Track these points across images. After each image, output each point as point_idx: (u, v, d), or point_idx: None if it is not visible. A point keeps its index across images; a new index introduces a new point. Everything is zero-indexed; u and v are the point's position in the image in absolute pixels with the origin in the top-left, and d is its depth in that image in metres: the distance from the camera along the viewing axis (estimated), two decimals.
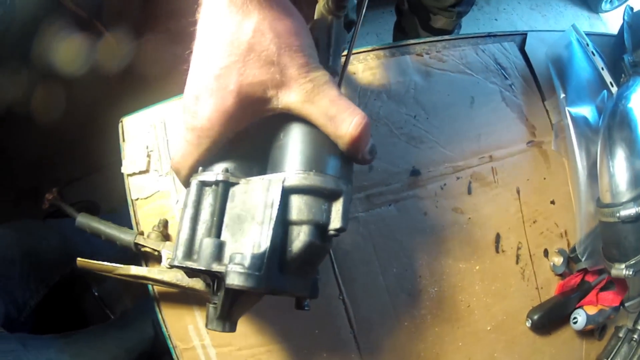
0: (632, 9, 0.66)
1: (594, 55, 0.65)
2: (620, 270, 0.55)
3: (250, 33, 0.30)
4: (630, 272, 0.54)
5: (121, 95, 0.70)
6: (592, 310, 0.63)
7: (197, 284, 0.50)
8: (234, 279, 0.30)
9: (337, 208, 0.34)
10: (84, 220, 0.56)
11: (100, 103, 0.78)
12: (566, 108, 0.62)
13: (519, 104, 0.65)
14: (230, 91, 0.31)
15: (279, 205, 0.32)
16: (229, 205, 0.35)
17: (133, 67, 0.77)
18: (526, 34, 0.66)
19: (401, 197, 0.59)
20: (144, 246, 0.54)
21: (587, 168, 0.63)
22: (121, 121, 0.58)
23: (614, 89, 0.64)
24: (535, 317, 0.63)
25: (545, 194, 0.65)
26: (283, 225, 0.33)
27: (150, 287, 0.57)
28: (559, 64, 0.64)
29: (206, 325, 0.38)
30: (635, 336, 0.65)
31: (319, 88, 0.32)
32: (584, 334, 0.69)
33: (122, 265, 0.51)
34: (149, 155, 0.57)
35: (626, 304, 0.59)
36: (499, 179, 0.63)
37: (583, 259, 0.64)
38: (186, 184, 0.39)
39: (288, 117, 0.34)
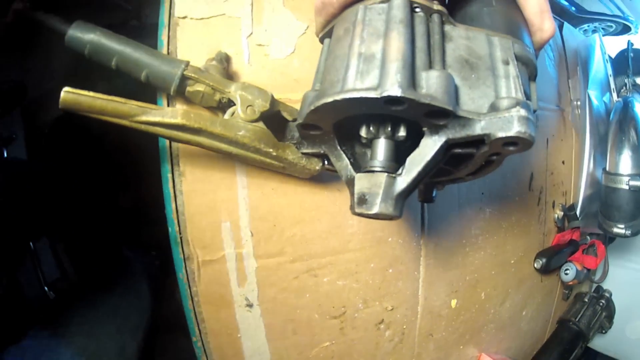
0: (632, 44, 0.85)
1: (607, 62, 0.81)
2: (621, 229, 0.65)
3: None
4: (629, 232, 0.65)
5: None
6: (578, 266, 0.72)
7: (288, 152, 0.38)
8: (523, 126, 0.26)
9: (534, 90, 0.34)
10: (82, 33, 0.36)
11: None
12: (587, 90, 0.74)
13: (555, 72, 0.74)
14: None
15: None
16: (448, 45, 0.31)
17: None
18: (564, 22, 0.78)
19: None
20: (198, 81, 0.38)
21: (593, 145, 0.74)
22: None
23: (614, 95, 0.80)
24: (544, 260, 0.68)
25: (560, 154, 0.74)
26: None
27: (166, 158, 0.41)
28: (583, 57, 0.77)
29: (369, 208, 0.27)
30: (603, 301, 0.76)
31: None
32: (558, 290, 0.77)
33: (154, 107, 0.34)
34: None
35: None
36: (538, 126, 0.69)
37: (580, 218, 0.73)
38: (342, 6, 0.32)
39: None
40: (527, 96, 0.30)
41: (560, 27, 0.79)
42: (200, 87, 0.38)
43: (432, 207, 0.53)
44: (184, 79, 0.38)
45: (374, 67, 0.26)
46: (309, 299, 0.48)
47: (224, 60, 0.41)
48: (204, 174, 0.42)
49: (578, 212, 0.73)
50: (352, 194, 0.29)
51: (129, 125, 0.34)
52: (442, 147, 0.28)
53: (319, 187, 0.46)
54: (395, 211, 0.28)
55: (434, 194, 0.41)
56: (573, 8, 1.11)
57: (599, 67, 0.79)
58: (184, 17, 0.42)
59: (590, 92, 0.75)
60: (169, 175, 0.42)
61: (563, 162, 0.74)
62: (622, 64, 0.85)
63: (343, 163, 0.33)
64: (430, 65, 0.28)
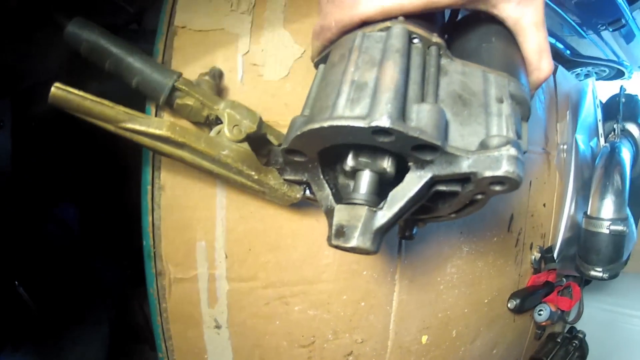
0: (624, 89, 0.88)
1: (597, 107, 0.83)
2: (599, 272, 0.67)
3: None
4: (607, 275, 0.66)
5: None
6: (552, 307, 0.73)
7: (270, 177, 0.38)
8: (511, 166, 0.25)
9: (525, 130, 0.34)
10: (80, 30, 0.36)
11: None
12: (575, 135, 0.76)
13: (544, 115, 0.76)
14: None
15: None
16: (442, 79, 0.31)
17: None
18: (558, 66, 0.80)
19: None
20: (188, 95, 0.38)
21: (576, 189, 0.75)
22: None
23: (602, 140, 0.82)
24: (518, 300, 0.68)
25: (542, 196, 0.75)
26: None
27: (148, 169, 0.41)
28: (574, 101, 0.79)
29: (345, 241, 0.27)
30: (576, 342, 0.77)
31: (544, 22, 0.34)
32: (530, 330, 0.78)
33: (141, 115, 0.34)
34: None
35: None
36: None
37: (557, 261, 0.74)
38: (347, 27, 0.31)
39: (495, 23, 0.34)
40: (519, 136, 0.30)
41: (554, 71, 0.81)
42: (189, 101, 0.38)
43: (410, 244, 0.54)
44: (174, 90, 0.38)
45: (366, 96, 0.26)
46: (278, 326, 0.48)
47: (217, 77, 0.41)
48: (184, 190, 0.42)
49: (555, 255, 0.74)
50: (330, 225, 0.29)
51: (114, 130, 0.34)
52: (426, 183, 0.27)
53: (297, 215, 0.46)
54: (372, 246, 0.27)
55: (414, 232, 0.40)
56: (568, 51, 1.14)
57: (589, 112, 0.81)
58: (183, 27, 0.42)
59: (577, 136, 0.77)
60: (149, 187, 0.42)
61: (544, 205, 0.76)
62: (613, 108, 0.87)
63: (324, 193, 0.33)
64: (422, 98, 0.28)
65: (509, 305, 0.69)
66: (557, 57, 1.11)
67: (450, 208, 0.32)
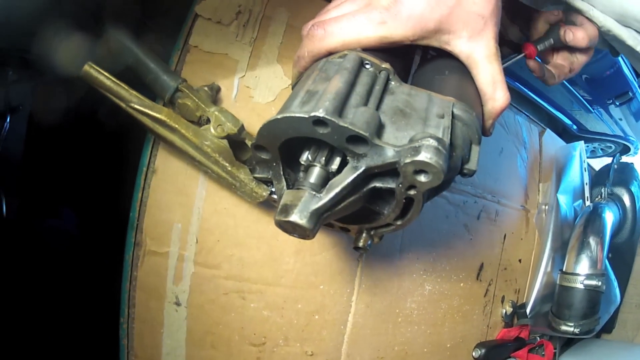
0: (620, 157, 0.91)
1: (585, 171, 0.86)
2: (570, 327, 0.67)
3: None
4: (578, 330, 0.66)
5: None
6: None
7: (242, 172, 0.45)
8: (430, 153, 0.28)
9: (475, 153, 0.36)
10: (121, 35, 0.45)
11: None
12: (556, 194, 0.79)
13: (525, 174, 0.80)
14: (448, 5, 0.35)
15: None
16: (388, 97, 0.35)
17: None
18: (546, 129, 0.85)
19: None
20: (188, 96, 0.46)
21: (554, 248, 0.77)
22: None
23: (588, 202, 0.84)
24: (484, 350, 0.69)
25: (517, 252, 0.77)
26: None
27: (147, 152, 0.49)
28: (560, 164, 0.83)
29: (285, 216, 0.30)
30: None
31: (498, 54, 0.37)
32: None
33: (148, 101, 0.43)
34: (238, 13, 0.53)
35: None
36: (497, 220, 0.74)
37: (529, 317, 0.74)
38: (317, 56, 0.38)
39: (451, 58, 0.38)
40: (467, 155, 0.34)
41: (541, 134, 0.85)
42: (188, 102, 0.46)
43: (370, 271, 0.58)
44: (177, 90, 0.46)
45: (314, 99, 0.31)
46: (233, 318, 0.52)
47: (214, 90, 0.50)
48: (173, 176, 0.49)
49: (528, 311, 0.74)
50: (278, 205, 0.33)
51: (124, 108, 0.43)
52: (360, 174, 0.31)
53: (264, 219, 0.52)
54: (307, 223, 0.30)
55: (368, 244, 0.42)
56: (575, 127, 1.17)
57: (575, 175, 0.84)
58: (196, 46, 0.51)
59: (560, 197, 0.80)
60: (145, 169, 0.49)
61: (520, 261, 0.77)
62: (604, 175, 0.89)
63: (281, 185, 0.37)
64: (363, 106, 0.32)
65: (473, 354, 0.69)
66: (565, 133, 1.15)
67: (393, 212, 0.36)
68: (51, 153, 0.84)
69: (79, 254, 0.80)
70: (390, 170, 0.31)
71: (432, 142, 0.29)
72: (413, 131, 0.32)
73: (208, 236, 0.50)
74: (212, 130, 0.45)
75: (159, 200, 0.49)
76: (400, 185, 0.32)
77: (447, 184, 0.38)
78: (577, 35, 0.50)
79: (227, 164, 0.45)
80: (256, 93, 0.53)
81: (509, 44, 0.65)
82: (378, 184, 0.34)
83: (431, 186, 0.30)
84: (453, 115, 0.34)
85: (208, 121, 0.47)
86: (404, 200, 0.34)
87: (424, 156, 0.28)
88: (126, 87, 0.43)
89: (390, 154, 0.30)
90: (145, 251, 0.49)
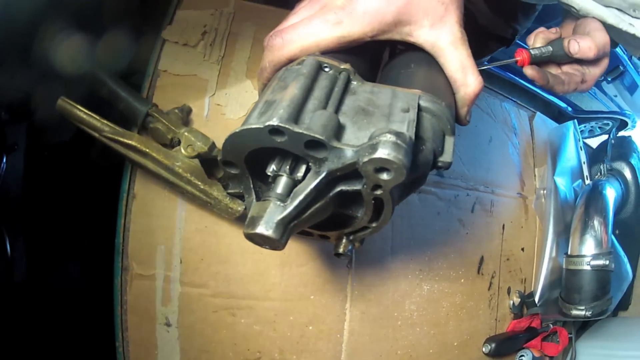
0: (616, 133, 0.88)
1: (581, 149, 0.83)
2: (581, 311, 0.64)
3: None
4: (589, 313, 0.63)
5: None
6: (536, 353, 0.69)
7: (215, 189, 0.45)
8: (387, 149, 0.27)
9: (450, 144, 0.35)
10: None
11: None
12: (553, 177, 0.77)
13: (518, 160, 0.78)
14: None
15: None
16: (349, 97, 0.34)
17: None
18: (536, 113, 0.83)
19: (425, 190, 0.64)
20: (158, 120, 0.47)
21: (557, 232, 0.75)
22: None
23: (588, 181, 0.82)
24: (494, 345, 0.66)
25: (519, 240, 0.75)
26: None
27: (127, 178, 0.49)
28: (554, 146, 0.81)
29: (252, 228, 0.30)
30: None
31: (464, 38, 0.35)
32: None
33: (119, 128, 0.43)
34: (204, 33, 0.54)
35: None
36: (493, 211, 0.72)
37: (538, 305, 0.71)
38: (278, 65, 0.37)
39: (417, 50, 0.37)
40: (440, 147, 0.33)
41: (531, 118, 0.83)
42: (159, 125, 0.47)
43: (360, 275, 0.57)
44: (148, 115, 0.47)
45: (271, 109, 0.31)
46: (225, 336, 0.51)
47: (185, 111, 0.51)
48: (152, 200, 0.50)
49: (537, 299, 0.72)
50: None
51: (97, 138, 0.44)
52: (322, 179, 0.30)
53: None
54: (274, 234, 0.30)
55: (349, 249, 0.41)
56: (569, 108, 1.15)
57: (571, 155, 0.81)
58: (165, 71, 0.52)
59: (558, 179, 0.78)
60: (125, 195, 0.50)
61: (523, 249, 0.75)
62: (602, 151, 0.86)
63: (251, 199, 0.37)
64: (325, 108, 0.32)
65: (483, 349, 0.67)
66: (559, 115, 1.13)
67: (365, 214, 0.35)
68: (51, 189, 0.86)
69: (83, 299, 0.80)
70: (355, 171, 0.30)
71: (390, 137, 0.27)
72: (375, 129, 0.30)
73: (192, 256, 0.50)
74: (183, 150, 0.46)
75: (141, 225, 0.50)
76: (365, 186, 0.31)
77: (422, 180, 0.37)
78: (583, 46, 0.46)
79: (199, 183, 0.45)
80: (227, 110, 0.53)
81: (499, 39, 0.63)
82: (344, 187, 0.33)
83: (396, 183, 0.29)
84: (420, 108, 0.33)
85: (179, 142, 0.47)
86: (372, 201, 0.33)
87: (382, 152, 0.27)
88: (98, 117, 0.44)
89: (349, 154, 0.29)
90: (133, 275, 0.49)
